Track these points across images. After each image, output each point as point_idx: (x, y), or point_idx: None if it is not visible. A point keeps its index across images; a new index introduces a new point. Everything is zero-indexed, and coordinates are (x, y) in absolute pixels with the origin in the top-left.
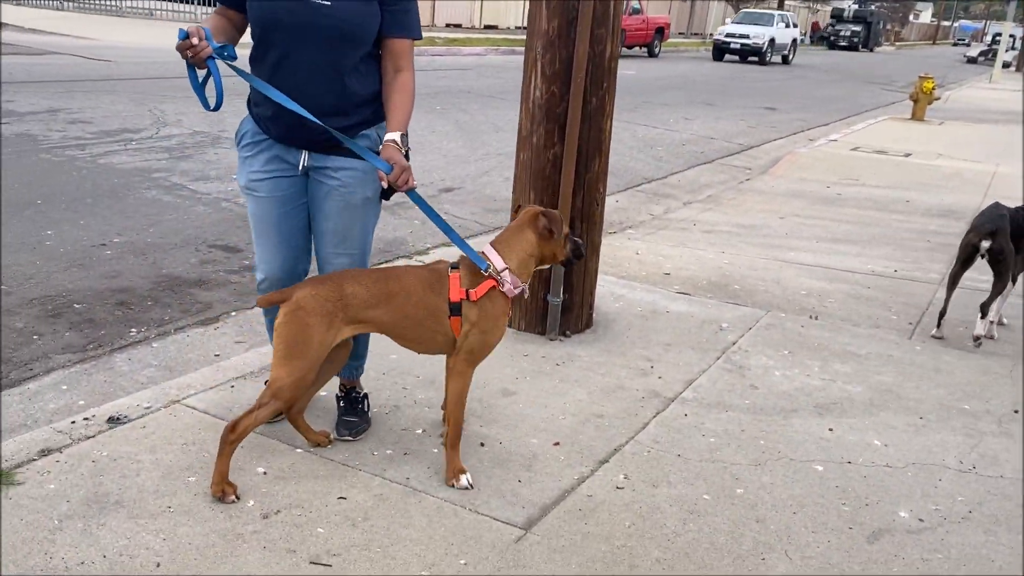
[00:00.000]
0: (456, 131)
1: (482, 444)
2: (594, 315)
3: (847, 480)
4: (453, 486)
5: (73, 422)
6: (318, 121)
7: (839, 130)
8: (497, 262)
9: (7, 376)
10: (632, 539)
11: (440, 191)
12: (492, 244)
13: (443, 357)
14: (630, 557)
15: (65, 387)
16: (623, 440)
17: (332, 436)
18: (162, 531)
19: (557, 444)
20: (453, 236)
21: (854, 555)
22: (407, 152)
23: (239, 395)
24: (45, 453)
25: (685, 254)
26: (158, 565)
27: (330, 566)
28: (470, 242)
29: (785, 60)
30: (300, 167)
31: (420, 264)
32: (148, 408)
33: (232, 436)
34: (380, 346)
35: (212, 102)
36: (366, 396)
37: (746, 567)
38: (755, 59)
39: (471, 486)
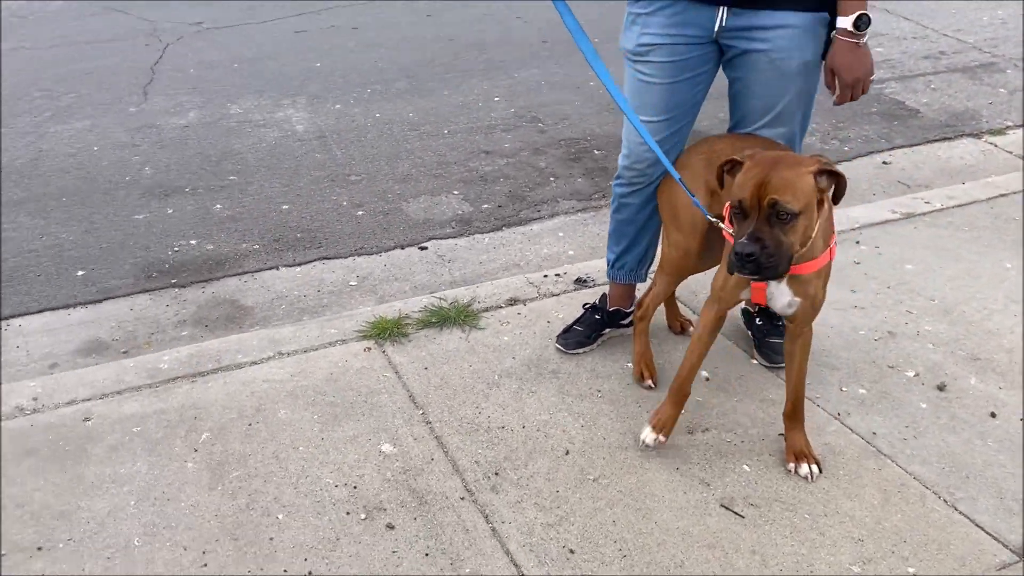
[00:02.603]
0: None
1: (992, 415)
2: None
3: None
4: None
5: (545, 276)
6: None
7: None
8: None
9: (517, 216)
10: None
11: None
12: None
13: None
14: None
15: (561, 234)
16: None
17: (760, 361)
18: (583, 415)
19: None
20: None
21: None
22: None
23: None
24: (512, 303)
25: None
26: (567, 453)
27: (742, 517)
28: None
29: None
30: (714, 31)
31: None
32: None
33: (639, 313)
34: (895, 251)
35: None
36: None
37: None
38: None
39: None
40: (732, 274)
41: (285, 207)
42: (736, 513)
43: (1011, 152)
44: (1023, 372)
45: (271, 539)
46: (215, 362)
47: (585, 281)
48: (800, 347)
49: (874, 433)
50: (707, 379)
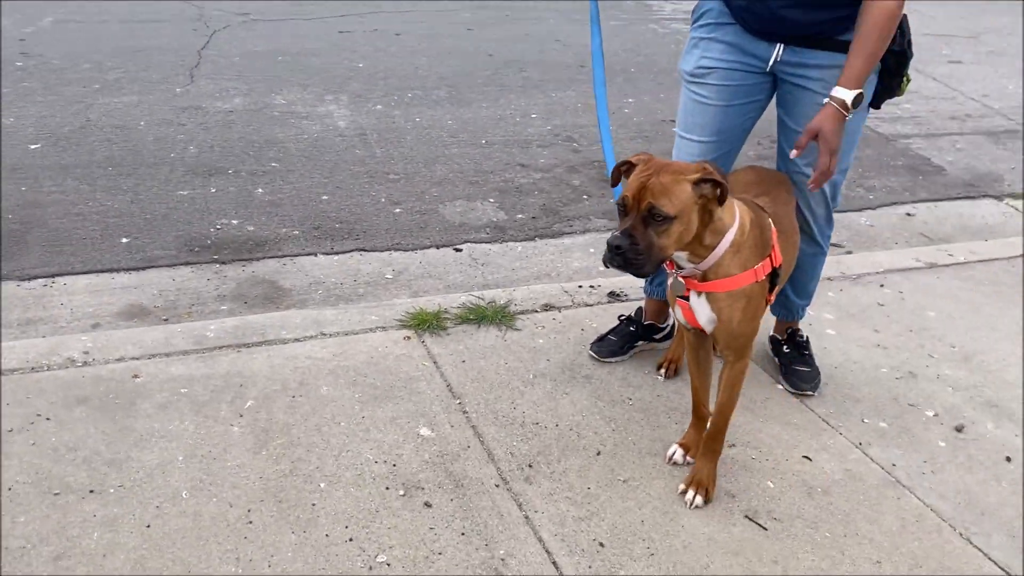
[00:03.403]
0: None
1: None
2: None
3: None
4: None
5: (580, 286)
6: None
7: None
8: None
9: (550, 228)
10: None
11: None
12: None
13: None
14: None
15: (592, 250)
16: None
17: (786, 387)
18: (615, 420)
19: None
20: None
21: None
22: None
23: None
24: (547, 308)
25: None
26: (598, 453)
27: (765, 529)
28: None
29: None
30: (769, 63)
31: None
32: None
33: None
34: (917, 297)
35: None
36: (808, 340)
37: None
38: None
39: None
40: (606, 267)
41: (325, 198)
42: (760, 525)
43: None
44: None
45: (313, 504)
46: (260, 336)
47: (618, 295)
48: (727, 377)
49: (893, 464)
50: None
